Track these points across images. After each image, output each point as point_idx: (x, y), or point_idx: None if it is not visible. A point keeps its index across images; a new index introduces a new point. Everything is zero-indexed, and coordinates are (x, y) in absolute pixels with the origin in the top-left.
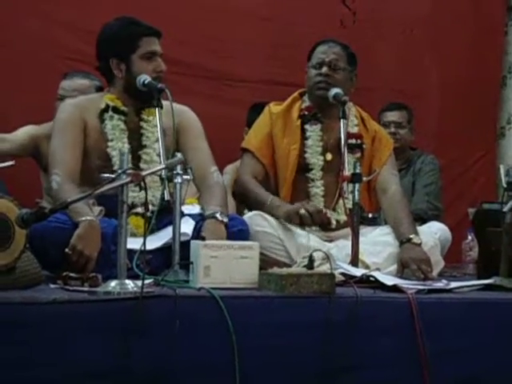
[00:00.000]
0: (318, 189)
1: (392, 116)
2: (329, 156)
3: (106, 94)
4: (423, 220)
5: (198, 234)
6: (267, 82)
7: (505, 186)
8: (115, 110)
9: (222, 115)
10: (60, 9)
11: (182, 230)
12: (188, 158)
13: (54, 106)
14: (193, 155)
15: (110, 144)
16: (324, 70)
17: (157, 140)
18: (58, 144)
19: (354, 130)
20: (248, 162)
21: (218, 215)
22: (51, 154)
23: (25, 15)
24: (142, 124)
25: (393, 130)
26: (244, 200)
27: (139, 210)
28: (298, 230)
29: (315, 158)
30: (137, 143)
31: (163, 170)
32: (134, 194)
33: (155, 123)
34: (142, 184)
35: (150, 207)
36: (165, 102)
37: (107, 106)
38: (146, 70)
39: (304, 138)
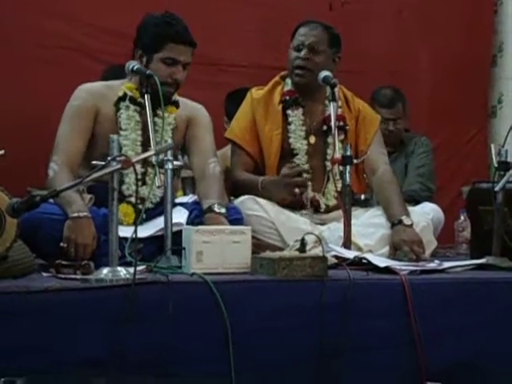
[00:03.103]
0: (303, 173)
1: (387, 113)
2: (312, 139)
3: (127, 82)
4: (416, 201)
5: (192, 222)
6: (259, 66)
7: (496, 165)
8: (132, 100)
9: (215, 100)
10: None
11: (176, 220)
12: (191, 149)
13: None
14: (195, 146)
15: (122, 133)
16: (303, 53)
17: (170, 137)
18: (64, 131)
19: (337, 111)
20: (235, 156)
21: (215, 207)
22: (56, 139)
23: (17, 5)
24: (156, 120)
25: (391, 127)
26: (238, 193)
27: (132, 199)
28: (290, 214)
29: (299, 143)
30: (148, 137)
31: (154, 157)
32: (134, 188)
33: (169, 121)
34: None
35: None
36: (180, 99)
37: (125, 95)
38: (162, 73)
39: (287, 123)
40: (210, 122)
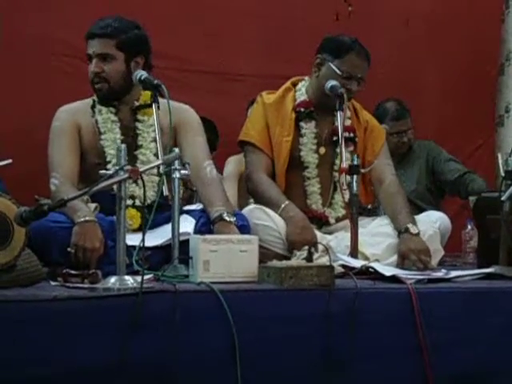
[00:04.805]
0: (314, 187)
1: (401, 126)
2: (322, 150)
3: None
4: (420, 209)
5: (199, 230)
6: (265, 76)
7: (503, 174)
8: (103, 102)
9: (222, 110)
10: (58, 5)
11: (184, 229)
12: (183, 153)
13: None
14: (188, 150)
15: (102, 137)
16: (354, 86)
17: (153, 140)
18: (55, 150)
19: (347, 122)
20: (254, 157)
21: (225, 216)
22: (49, 160)
23: (22, 12)
24: (137, 124)
25: (405, 139)
26: (258, 200)
27: (129, 202)
28: None
29: (310, 156)
30: (132, 143)
31: (161, 166)
32: (130, 188)
33: (151, 123)
34: (140, 180)
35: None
36: (161, 100)
37: (93, 102)
38: (89, 73)
39: (299, 134)
40: (199, 123)
